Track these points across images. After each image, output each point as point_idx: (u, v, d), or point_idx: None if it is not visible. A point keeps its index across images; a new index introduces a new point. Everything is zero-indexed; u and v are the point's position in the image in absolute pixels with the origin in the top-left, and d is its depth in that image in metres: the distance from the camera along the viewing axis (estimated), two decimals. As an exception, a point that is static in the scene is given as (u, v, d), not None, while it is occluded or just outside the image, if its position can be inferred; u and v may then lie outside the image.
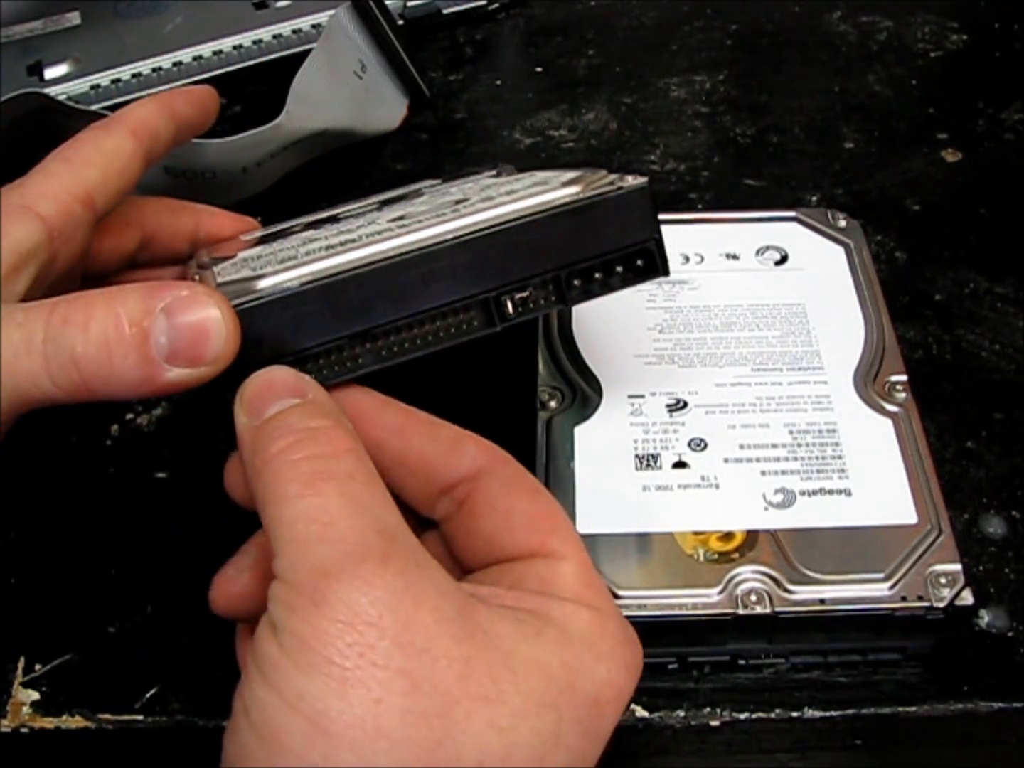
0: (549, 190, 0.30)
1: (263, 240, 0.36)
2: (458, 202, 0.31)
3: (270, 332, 0.27)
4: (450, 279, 0.28)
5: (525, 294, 0.29)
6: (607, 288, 0.30)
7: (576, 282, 0.30)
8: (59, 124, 0.33)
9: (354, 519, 0.23)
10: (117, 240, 0.35)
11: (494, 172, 0.38)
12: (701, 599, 0.31)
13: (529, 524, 0.27)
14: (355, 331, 0.28)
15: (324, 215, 0.38)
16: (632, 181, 0.30)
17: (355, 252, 0.28)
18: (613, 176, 0.30)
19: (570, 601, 0.25)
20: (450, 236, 0.28)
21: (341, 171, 0.51)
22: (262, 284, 0.27)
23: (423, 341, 0.29)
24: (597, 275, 0.30)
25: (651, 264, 0.30)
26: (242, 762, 0.22)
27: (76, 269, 0.32)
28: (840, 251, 0.42)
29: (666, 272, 0.30)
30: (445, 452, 0.28)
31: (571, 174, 0.31)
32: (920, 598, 0.31)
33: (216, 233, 0.38)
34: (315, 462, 0.24)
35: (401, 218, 0.31)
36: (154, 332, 0.26)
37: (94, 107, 0.53)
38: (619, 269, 0.30)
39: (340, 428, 0.25)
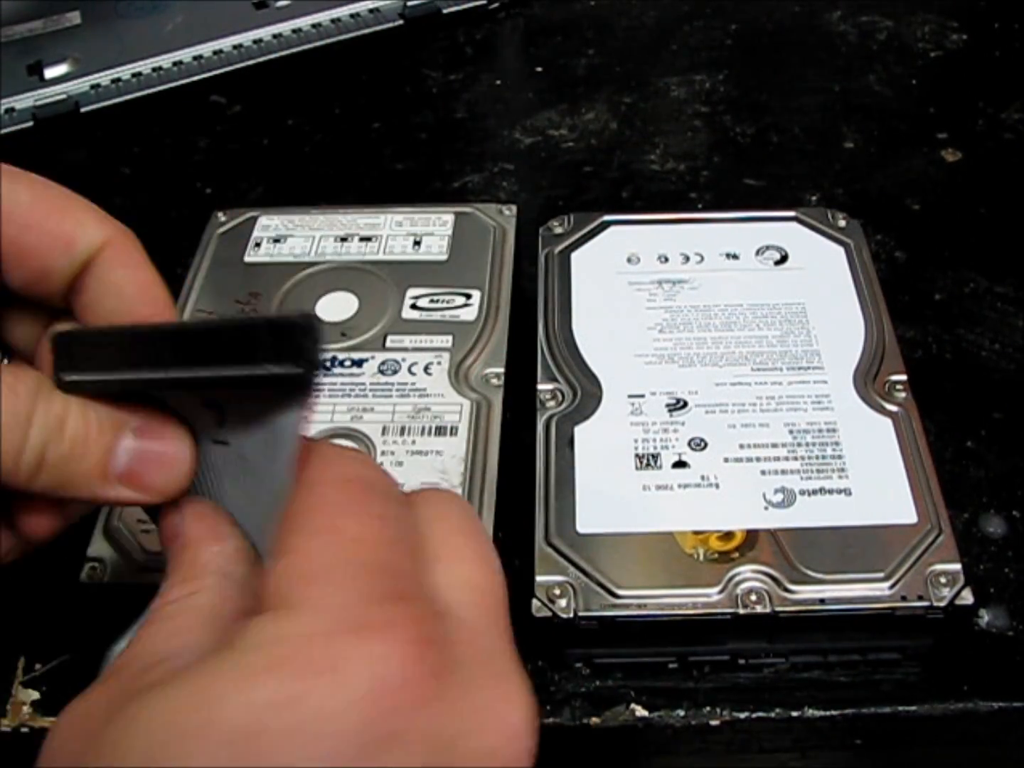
0: None
1: None
2: None
3: None
4: None
5: None
6: None
7: None
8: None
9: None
10: None
11: None
12: (701, 599, 0.31)
13: None
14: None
15: None
16: None
17: None
18: None
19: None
20: None
21: (341, 171, 0.51)
22: None
23: None
24: None
25: None
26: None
27: None
28: (840, 251, 0.42)
29: None
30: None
31: None
32: (920, 598, 0.31)
33: None
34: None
35: None
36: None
37: (94, 107, 0.54)
38: None
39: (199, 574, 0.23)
